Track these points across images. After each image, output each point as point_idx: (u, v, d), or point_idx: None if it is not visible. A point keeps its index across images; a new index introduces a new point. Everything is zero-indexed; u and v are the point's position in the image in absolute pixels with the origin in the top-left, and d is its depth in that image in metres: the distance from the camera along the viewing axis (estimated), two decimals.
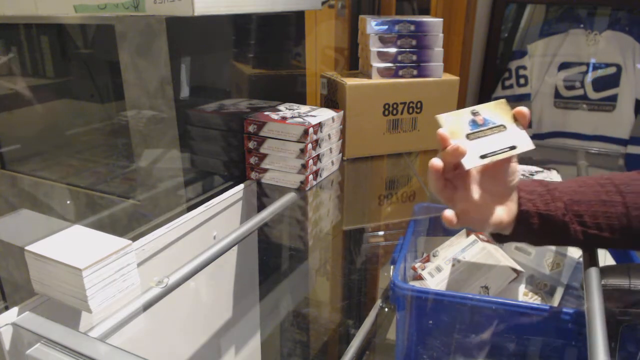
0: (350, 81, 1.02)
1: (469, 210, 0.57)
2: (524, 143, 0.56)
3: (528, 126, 1.88)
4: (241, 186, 0.89)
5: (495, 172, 0.58)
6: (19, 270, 1.06)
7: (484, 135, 0.56)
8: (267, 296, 1.09)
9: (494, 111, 0.57)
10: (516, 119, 0.57)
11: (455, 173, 0.57)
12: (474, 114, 0.57)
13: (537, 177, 1.00)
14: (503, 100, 0.59)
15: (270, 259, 1.08)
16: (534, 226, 0.60)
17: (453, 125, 0.56)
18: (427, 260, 0.90)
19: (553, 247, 0.85)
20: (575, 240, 0.59)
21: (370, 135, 1.06)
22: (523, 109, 0.56)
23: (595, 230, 0.58)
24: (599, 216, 0.57)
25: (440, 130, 0.54)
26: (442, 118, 0.56)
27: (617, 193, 0.57)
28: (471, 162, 0.54)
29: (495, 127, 0.56)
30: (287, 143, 0.85)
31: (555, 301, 0.81)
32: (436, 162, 0.54)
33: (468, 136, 0.56)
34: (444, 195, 0.58)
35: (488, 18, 1.79)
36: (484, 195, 0.58)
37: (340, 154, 1.02)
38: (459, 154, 0.53)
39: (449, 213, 0.56)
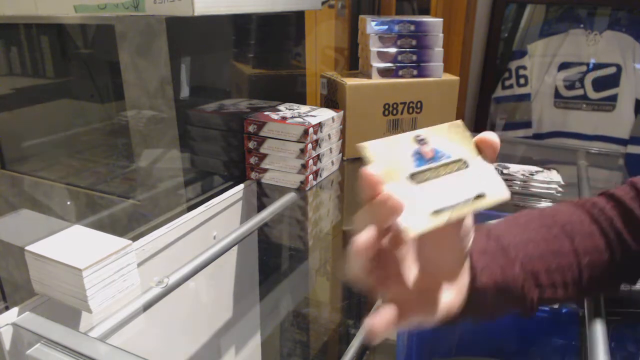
0: (350, 81, 1.02)
1: (407, 300, 0.37)
2: (496, 188, 0.36)
3: (528, 126, 1.89)
4: (241, 186, 0.89)
5: (442, 237, 0.38)
6: (19, 270, 1.06)
7: (435, 176, 0.36)
8: (267, 296, 1.09)
9: (448, 138, 0.38)
10: (480, 150, 0.37)
11: (387, 241, 0.35)
12: (420, 141, 0.37)
13: (537, 177, 1.00)
14: (459, 122, 0.39)
15: (270, 259, 1.09)
16: (486, 301, 0.45)
17: (388, 159, 0.35)
18: None
19: None
20: (524, 309, 0.47)
21: (370, 135, 1.06)
22: (489, 137, 0.36)
23: (550, 291, 0.47)
24: (553, 271, 0.46)
25: (368, 170, 0.32)
26: (370, 148, 0.35)
27: (565, 236, 0.48)
28: (418, 224, 0.33)
29: (452, 163, 0.37)
30: (287, 143, 0.85)
31: None
32: (362, 240, 0.32)
33: (412, 177, 0.35)
34: (373, 280, 0.36)
35: (488, 18, 1.79)
36: (428, 273, 0.38)
37: (340, 154, 1.02)
38: (394, 210, 0.31)
39: (381, 322, 0.35)
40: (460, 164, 0.37)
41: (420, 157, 0.36)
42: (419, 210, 0.33)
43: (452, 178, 0.36)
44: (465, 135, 0.38)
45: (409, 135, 0.37)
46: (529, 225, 0.49)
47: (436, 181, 0.35)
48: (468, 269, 0.43)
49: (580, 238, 0.48)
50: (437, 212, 0.34)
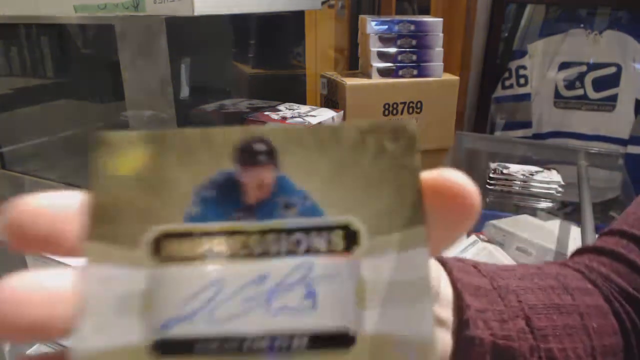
0: (350, 81, 1.02)
1: None
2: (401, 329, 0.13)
3: (528, 126, 1.89)
4: None
5: None
6: (19, 270, 1.06)
7: (241, 255, 0.14)
8: None
9: (351, 160, 0.14)
10: (433, 210, 0.14)
11: None
12: (248, 155, 0.14)
13: (537, 177, 1.00)
14: (407, 126, 0.15)
15: None
16: None
17: (131, 187, 0.14)
18: None
19: (553, 247, 0.85)
20: None
21: None
22: (453, 183, 0.15)
23: None
24: (562, 334, 0.32)
25: (33, 201, 0.15)
26: (110, 147, 0.14)
27: (562, 289, 0.34)
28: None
29: (314, 230, 0.14)
30: None
31: None
32: None
33: (162, 246, 0.14)
34: None
35: (488, 18, 1.79)
36: None
37: None
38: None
39: None
40: (336, 240, 0.14)
41: (225, 196, 0.14)
42: (118, 330, 0.13)
43: (290, 273, 0.14)
44: (404, 164, 0.15)
45: (233, 135, 0.15)
46: (516, 271, 0.35)
47: (233, 270, 0.14)
48: (450, 325, 0.27)
49: (579, 293, 0.35)
50: (165, 346, 0.13)
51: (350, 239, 0.14)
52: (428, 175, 0.15)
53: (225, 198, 0.14)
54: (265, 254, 0.14)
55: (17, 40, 1.15)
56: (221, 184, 0.14)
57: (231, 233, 0.14)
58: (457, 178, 0.15)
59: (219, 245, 0.14)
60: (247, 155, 0.14)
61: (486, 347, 0.28)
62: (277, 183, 0.14)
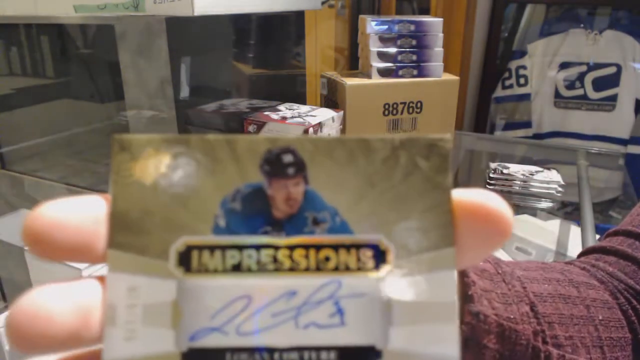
0: (350, 81, 1.02)
1: None
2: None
3: (528, 126, 1.89)
4: None
5: None
6: (19, 270, 1.06)
7: (270, 270, 0.14)
8: None
9: (382, 181, 0.14)
10: (463, 231, 0.14)
11: None
12: (273, 163, 0.14)
13: (537, 177, 1.00)
14: (442, 141, 0.14)
15: None
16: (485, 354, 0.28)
17: (149, 194, 0.14)
18: None
19: (553, 247, 0.85)
20: None
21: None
22: (486, 203, 0.14)
23: (569, 349, 0.31)
24: (568, 324, 0.32)
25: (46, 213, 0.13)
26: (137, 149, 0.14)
27: (568, 281, 0.34)
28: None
29: (344, 248, 0.14)
30: None
31: None
32: None
33: (195, 259, 0.14)
34: None
35: (488, 18, 1.79)
36: None
37: None
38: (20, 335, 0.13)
39: None
40: (364, 259, 0.14)
41: (253, 209, 0.14)
42: (148, 339, 0.13)
43: (318, 290, 0.14)
44: (436, 183, 0.14)
45: (259, 144, 0.14)
46: (521, 264, 0.35)
47: (262, 284, 0.14)
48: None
49: (585, 287, 0.34)
50: (196, 356, 0.13)
51: (379, 257, 0.14)
52: (461, 196, 0.15)
53: (252, 211, 0.14)
54: (293, 270, 0.14)
55: (17, 40, 1.16)
56: (248, 196, 0.14)
57: (260, 247, 0.14)
58: (491, 200, 0.15)
59: (248, 259, 0.14)
60: (275, 167, 0.14)
61: (490, 326, 0.27)
62: (306, 197, 0.14)
